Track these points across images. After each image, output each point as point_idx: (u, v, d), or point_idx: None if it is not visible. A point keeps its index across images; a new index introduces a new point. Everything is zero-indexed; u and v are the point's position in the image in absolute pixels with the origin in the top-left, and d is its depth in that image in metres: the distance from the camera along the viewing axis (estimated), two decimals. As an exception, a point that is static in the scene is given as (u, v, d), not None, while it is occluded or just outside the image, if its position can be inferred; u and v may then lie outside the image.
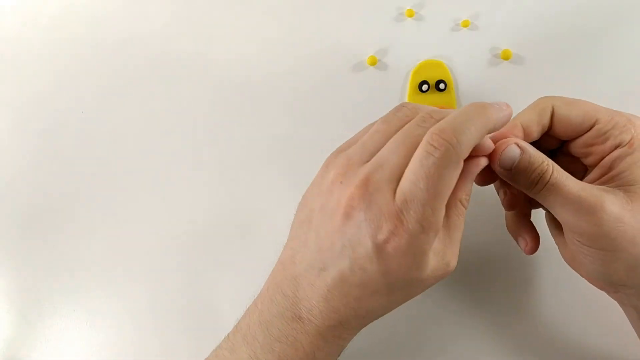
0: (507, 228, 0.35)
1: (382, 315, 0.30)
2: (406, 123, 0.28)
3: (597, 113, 0.30)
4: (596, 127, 0.29)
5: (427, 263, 0.27)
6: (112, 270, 0.39)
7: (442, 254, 0.28)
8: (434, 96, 0.38)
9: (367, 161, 0.28)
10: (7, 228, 0.39)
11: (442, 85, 0.38)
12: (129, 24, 0.39)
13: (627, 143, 0.29)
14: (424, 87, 0.38)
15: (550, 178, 0.28)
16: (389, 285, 0.27)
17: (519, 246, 0.34)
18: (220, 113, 0.39)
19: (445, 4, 0.38)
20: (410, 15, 0.38)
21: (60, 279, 0.39)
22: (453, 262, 0.29)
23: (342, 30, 0.38)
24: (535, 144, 0.31)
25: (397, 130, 0.28)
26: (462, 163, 0.26)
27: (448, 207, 0.28)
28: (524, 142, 0.29)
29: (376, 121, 0.30)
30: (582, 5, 0.39)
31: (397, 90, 0.38)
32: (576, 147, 0.31)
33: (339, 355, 0.31)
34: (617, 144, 0.29)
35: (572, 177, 0.28)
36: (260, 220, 0.38)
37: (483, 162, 0.29)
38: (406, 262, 0.26)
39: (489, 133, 0.28)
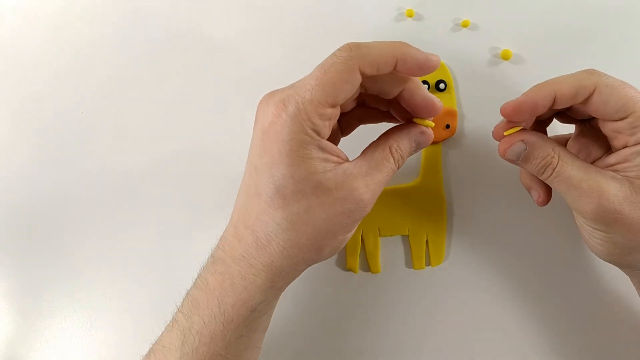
0: (521, 181, 0.36)
1: (287, 250, 0.28)
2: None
3: (634, 105, 0.29)
4: (628, 119, 0.29)
5: (316, 159, 0.27)
6: (112, 270, 0.39)
7: (352, 177, 0.28)
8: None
9: None
10: (7, 228, 0.39)
11: (442, 85, 0.38)
12: (129, 24, 0.39)
13: None
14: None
15: (555, 168, 0.30)
16: (278, 190, 0.27)
17: (532, 198, 0.35)
18: (223, 112, 0.39)
19: (445, 4, 0.38)
20: (410, 15, 0.38)
21: (60, 279, 0.39)
22: (363, 192, 0.28)
23: (342, 30, 0.38)
24: (567, 109, 0.32)
25: None
26: (358, 72, 0.27)
27: (376, 148, 0.30)
28: (532, 135, 0.31)
29: None
30: (582, 5, 0.39)
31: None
32: (605, 128, 0.31)
33: (252, 313, 0.29)
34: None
35: (579, 164, 0.30)
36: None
37: (427, 132, 0.31)
38: (287, 151, 0.27)
39: (402, 66, 0.28)
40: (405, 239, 0.39)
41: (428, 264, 0.39)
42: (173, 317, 0.31)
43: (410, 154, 0.31)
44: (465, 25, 0.39)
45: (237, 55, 0.38)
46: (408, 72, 0.29)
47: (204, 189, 0.39)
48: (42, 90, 0.39)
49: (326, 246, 0.29)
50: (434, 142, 0.38)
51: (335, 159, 0.28)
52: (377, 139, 0.31)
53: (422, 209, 0.39)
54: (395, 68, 0.28)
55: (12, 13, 0.39)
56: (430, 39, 0.39)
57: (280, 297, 0.38)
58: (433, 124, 0.31)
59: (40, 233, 0.39)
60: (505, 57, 0.38)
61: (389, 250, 0.39)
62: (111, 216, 0.39)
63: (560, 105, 0.30)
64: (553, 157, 0.30)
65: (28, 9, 0.39)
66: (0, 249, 0.39)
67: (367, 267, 0.39)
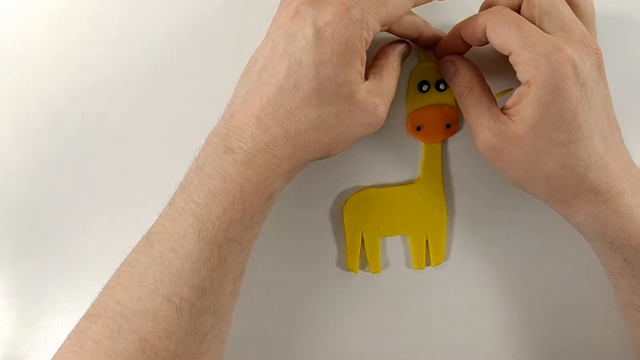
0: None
1: (311, 145, 0.30)
2: None
3: (513, 44, 0.31)
4: (510, 57, 0.31)
5: (357, 70, 0.30)
6: (112, 270, 0.39)
7: (373, 93, 0.31)
8: (434, 96, 0.38)
9: None
10: (7, 228, 0.39)
11: (442, 86, 0.38)
12: (129, 24, 0.39)
13: (526, 83, 0.30)
14: (424, 87, 0.38)
15: (464, 99, 0.34)
16: (319, 89, 0.29)
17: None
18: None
19: (445, 4, 0.38)
20: (410, 15, 0.38)
21: (61, 279, 0.39)
22: (381, 109, 0.32)
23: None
24: None
25: None
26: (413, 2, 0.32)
27: (381, 67, 0.33)
28: (461, 61, 0.35)
29: None
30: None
31: (397, 90, 0.38)
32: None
33: (269, 199, 0.31)
34: (521, 79, 0.31)
35: (484, 100, 0.33)
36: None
37: (409, 46, 0.36)
38: (340, 53, 0.29)
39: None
40: (405, 239, 0.39)
41: (428, 264, 0.39)
42: (177, 208, 0.30)
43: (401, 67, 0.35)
44: (465, 25, 0.38)
45: (238, 55, 0.38)
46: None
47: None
48: (42, 90, 0.39)
49: (338, 148, 0.32)
50: (435, 142, 0.38)
51: (363, 71, 0.31)
52: (382, 56, 0.34)
53: (422, 209, 0.39)
54: None
55: (12, 13, 0.39)
56: (430, 39, 0.39)
57: (280, 297, 0.39)
58: None
59: (40, 233, 0.39)
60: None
61: (389, 250, 0.39)
62: (112, 216, 0.39)
63: (473, 44, 0.34)
64: (466, 87, 0.34)
65: (28, 9, 0.39)
66: (0, 248, 0.39)
67: (367, 267, 0.39)
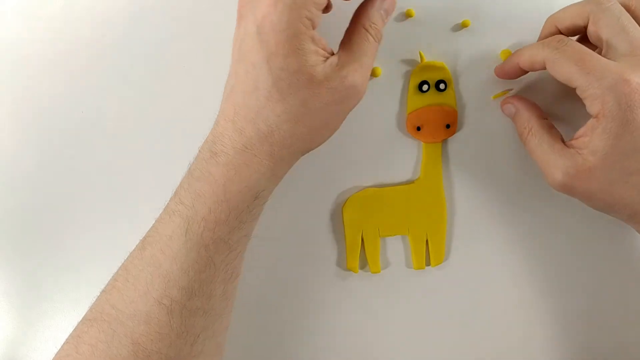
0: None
1: (287, 139, 0.30)
2: None
3: (576, 80, 0.31)
4: (577, 91, 0.31)
5: (309, 52, 0.28)
6: (112, 270, 0.39)
7: (339, 66, 0.30)
8: (434, 96, 0.38)
9: None
10: (7, 228, 0.39)
11: (442, 86, 0.38)
12: (129, 24, 0.39)
13: (595, 116, 0.30)
14: (424, 87, 0.38)
15: (525, 139, 0.34)
16: (276, 83, 0.28)
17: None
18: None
19: (445, 4, 0.38)
20: (410, 15, 0.38)
21: (61, 279, 0.39)
22: (354, 77, 0.30)
23: (342, 31, 0.38)
24: None
25: None
26: None
27: (352, 33, 0.32)
28: (519, 102, 0.35)
29: None
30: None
31: (398, 90, 0.38)
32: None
33: (255, 199, 0.31)
34: (590, 112, 0.31)
35: (545, 139, 0.33)
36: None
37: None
38: (284, 41, 0.28)
39: None
40: (405, 239, 0.39)
41: (428, 264, 0.39)
42: (168, 211, 0.31)
43: (384, 24, 0.33)
44: (465, 25, 0.38)
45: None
46: None
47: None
48: (43, 90, 0.39)
49: (320, 135, 0.31)
50: (435, 142, 0.38)
51: (323, 52, 0.30)
52: (350, 23, 0.33)
53: (422, 209, 0.39)
54: None
55: (12, 13, 0.39)
56: (431, 39, 0.39)
57: (280, 297, 0.39)
58: None
59: (40, 233, 0.39)
60: (505, 57, 0.38)
61: (389, 250, 0.39)
62: (112, 216, 0.39)
63: (532, 70, 0.34)
64: (525, 128, 0.34)
65: (28, 9, 0.39)
66: (0, 249, 0.39)
67: (367, 267, 0.39)
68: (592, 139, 0.30)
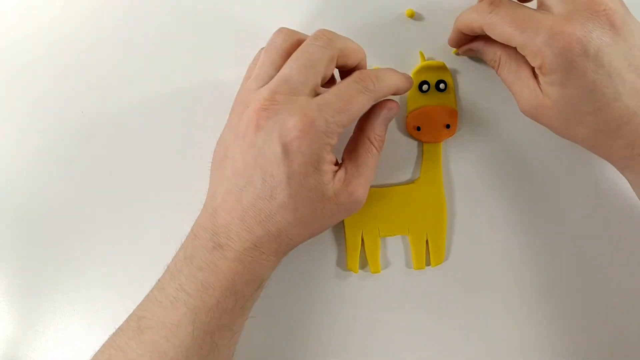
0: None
1: (294, 239, 0.32)
2: (290, 45, 0.32)
3: (513, 40, 0.31)
4: (517, 49, 0.32)
5: (325, 172, 0.30)
6: (112, 270, 0.39)
7: (347, 182, 0.32)
8: (434, 96, 0.38)
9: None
10: (7, 228, 0.39)
11: (442, 86, 0.38)
12: (129, 24, 0.39)
13: (539, 69, 0.31)
14: (424, 87, 0.38)
15: (496, 71, 0.35)
16: (293, 196, 0.30)
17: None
18: (227, 112, 0.39)
19: (446, 4, 0.38)
20: (411, 15, 0.38)
21: (60, 279, 0.39)
22: (358, 193, 0.32)
23: (343, 30, 0.38)
24: None
25: (284, 53, 0.32)
26: (373, 102, 0.32)
27: (357, 143, 0.33)
28: (478, 44, 0.36)
29: (259, 53, 0.34)
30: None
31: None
32: None
33: (259, 288, 0.33)
34: (534, 66, 0.32)
35: (513, 70, 0.33)
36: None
37: (393, 106, 0.34)
38: (307, 164, 0.30)
39: (394, 93, 0.34)
40: (405, 239, 0.39)
41: (428, 264, 0.39)
42: (168, 297, 0.31)
43: (386, 132, 0.35)
44: (465, 25, 0.38)
45: (239, 54, 0.38)
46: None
47: (205, 188, 0.39)
48: (42, 90, 0.39)
49: (320, 232, 0.33)
50: (434, 142, 0.38)
51: (333, 167, 0.31)
52: (354, 133, 0.34)
53: (422, 209, 0.39)
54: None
55: (12, 13, 0.39)
56: (431, 39, 0.39)
57: (280, 297, 0.39)
58: None
59: (40, 233, 0.39)
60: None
61: (389, 250, 0.39)
62: (111, 216, 0.39)
63: (475, 34, 0.35)
64: (493, 60, 0.35)
65: (28, 9, 0.39)
66: (0, 249, 0.39)
67: (367, 267, 0.39)
68: (543, 86, 0.31)
